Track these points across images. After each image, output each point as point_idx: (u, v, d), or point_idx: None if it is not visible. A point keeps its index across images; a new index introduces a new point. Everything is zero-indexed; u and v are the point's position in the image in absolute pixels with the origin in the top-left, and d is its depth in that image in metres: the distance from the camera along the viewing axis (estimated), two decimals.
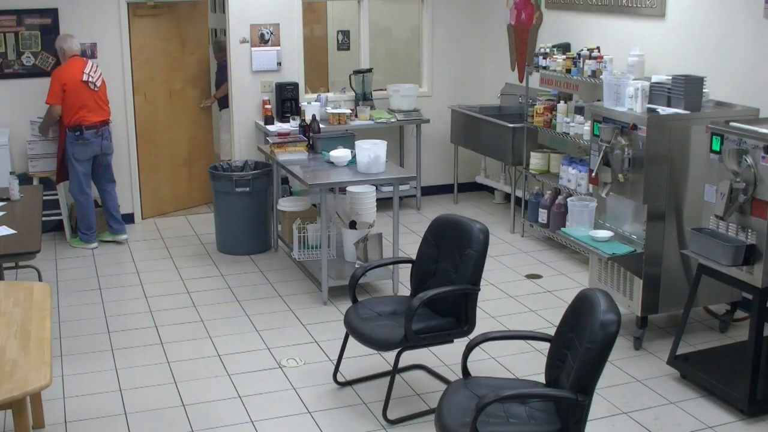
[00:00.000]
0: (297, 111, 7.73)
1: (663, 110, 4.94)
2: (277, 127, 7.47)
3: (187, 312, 5.77)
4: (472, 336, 4.20)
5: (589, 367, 3.18)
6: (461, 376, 3.77)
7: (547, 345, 3.66)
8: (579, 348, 3.26)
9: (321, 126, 6.83)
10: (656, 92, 5.05)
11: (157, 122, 8.01)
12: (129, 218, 7.78)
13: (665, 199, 4.97)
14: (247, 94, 7.89)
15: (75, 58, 6.96)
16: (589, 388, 3.21)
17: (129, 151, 7.72)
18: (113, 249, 7.14)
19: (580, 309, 3.41)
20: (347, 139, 6.56)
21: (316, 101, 7.80)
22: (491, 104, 8.09)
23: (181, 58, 8.22)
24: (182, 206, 8.35)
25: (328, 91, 8.53)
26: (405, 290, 5.76)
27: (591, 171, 5.25)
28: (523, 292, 6.06)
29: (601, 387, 4.31)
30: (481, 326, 4.77)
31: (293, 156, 6.35)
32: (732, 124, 4.42)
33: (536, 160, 6.95)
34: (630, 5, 6.34)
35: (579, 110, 6.43)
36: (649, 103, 5.02)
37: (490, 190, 8.53)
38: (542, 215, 6.83)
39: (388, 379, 4.37)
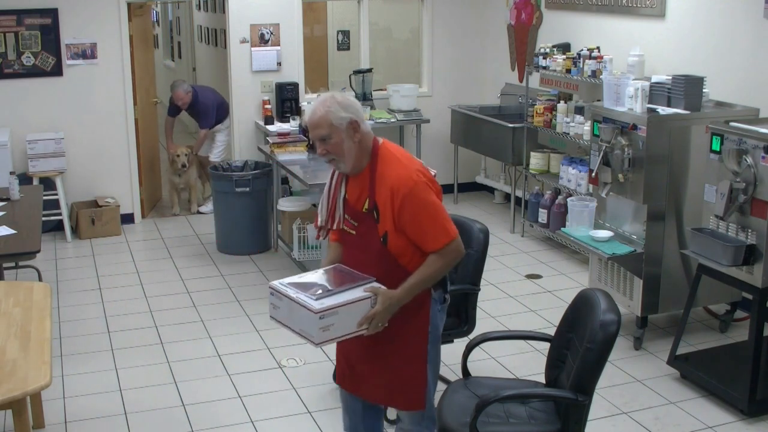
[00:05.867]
0: (297, 111, 7.73)
1: (663, 110, 4.94)
2: (277, 127, 7.47)
3: (187, 312, 5.77)
4: (472, 336, 4.20)
5: (589, 367, 3.18)
6: (461, 376, 3.77)
7: (547, 345, 3.65)
8: (579, 348, 3.26)
9: None
10: (656, 92, 5.05)
11: (144, 120, 8.09)
12: (129, 218, 7.78)
13: (665, 199, 4.97)
14: (247, 94, 7.88)
15: None
16: (589, 388, 3.21)
17: (129, 151, 7.71)
18: (113, 249, 7.14)
19: (580, 309, 3.41)
20: None
21: None
22: (491, 104, 8.08)
23: (149, 57, 8.36)
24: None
25: (328, 91, 8.53)
26: None
27: (591, 171, 5.25)
28: (523, 292, 6.05)
29: (601, 387, 4.31)
30: (481, 326, 4.76)
31: (293, 156, 6.35)
32: (732, 124, 4.42)
33: (536, 160, 6.94)
34: (630, 5, 6.33)
35: (579, 110, 6.42)
36: (649, 103, 5.02)
37: (490, 190, 8.52)
38: (542, 215, 6.83)
39: None
